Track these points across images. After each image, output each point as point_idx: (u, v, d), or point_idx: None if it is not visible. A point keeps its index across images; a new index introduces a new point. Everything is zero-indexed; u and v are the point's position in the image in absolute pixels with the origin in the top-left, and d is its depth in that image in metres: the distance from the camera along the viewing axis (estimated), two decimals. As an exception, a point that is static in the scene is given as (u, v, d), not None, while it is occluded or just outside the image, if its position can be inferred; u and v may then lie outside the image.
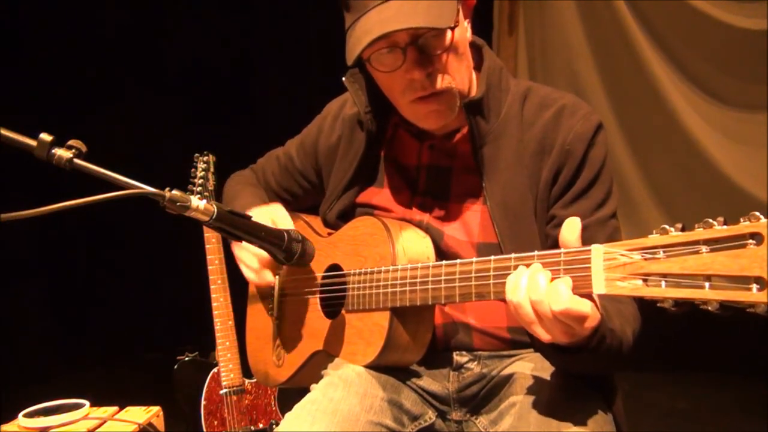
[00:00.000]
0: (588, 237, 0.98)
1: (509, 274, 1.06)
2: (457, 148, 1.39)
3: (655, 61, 3.84)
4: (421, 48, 1.23)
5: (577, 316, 0.96)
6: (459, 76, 1.29)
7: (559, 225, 1.24)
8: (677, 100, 3.84)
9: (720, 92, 3.81)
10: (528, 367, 1.31)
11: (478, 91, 1.34)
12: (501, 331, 1.37)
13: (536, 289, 0.98)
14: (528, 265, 1.04)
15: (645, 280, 0.89)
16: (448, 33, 1.23)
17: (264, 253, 1.38)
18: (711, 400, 3.20)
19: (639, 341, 1.22)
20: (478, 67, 1.39)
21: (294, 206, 1.73)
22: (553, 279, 0.99)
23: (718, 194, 3.73)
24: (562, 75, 4.10)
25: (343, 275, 1.43)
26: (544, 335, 1.01)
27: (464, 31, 1.31)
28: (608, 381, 1.31)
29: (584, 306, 0.96)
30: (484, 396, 1.37)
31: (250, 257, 1.45)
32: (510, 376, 1.32)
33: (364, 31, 1.20)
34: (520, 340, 1.36)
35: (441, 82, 1.26)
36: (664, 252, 0.87)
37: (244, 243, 1.42)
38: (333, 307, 1.46)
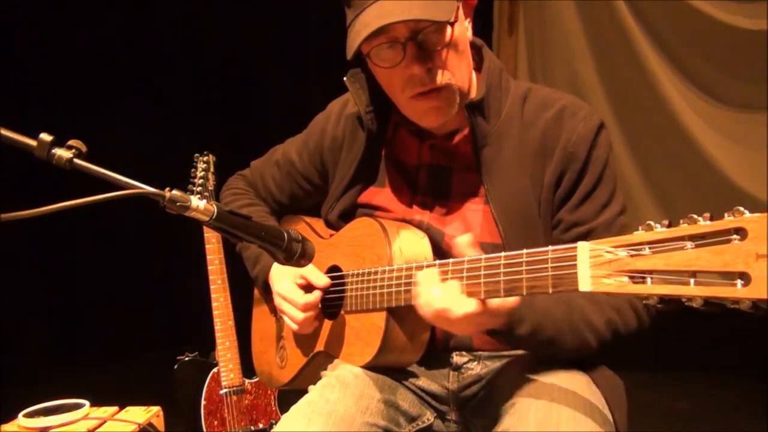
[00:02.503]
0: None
1: (499, 272, 1.08)
2: (457, 148, 1.39)
3: (655, 61, 3.84)
4: (421, 43, 1.23)
5: (465, 316, 1.10)
6: (459, 73, 1.29)
7: (567, 229, 1.29)
8: (677, 100, 3.84)
9: (720, 92, 3.81)
10: (528, 367, 1.31)
11: (478, 92, 1.34)
12: (500, 330, 1.37)
13: (435, 299, 1.13)
14: (497, 266, 1.09)
15: (631, 277, 0.89)
16: (448, 29, 1.24)
17: (309, 301, 1.44)
18: (710, 400, 3.20)
19: (635, 337, 1.25)
20: (477, 68, 1.40)
21: (294, 208, 1.72)
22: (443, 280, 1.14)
23: (717, 194, 3.74)
24: (562, 75, 4.10)
25: (342, 276, 1.43)
26: (459, 331, 1.20)
27: (464, 30, 1.32)
28: (612, 382, 1.31)
29: (469, 306, 1.10)
30: (483, 396, 1.37)
31: (292, 310, 1.46)
32: (510, 377, 1.32)
33: (363, 25, 1.21)
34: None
35: (441, 77, 1.26)
36: (649, 248, 0.87)
37: (280, 290, 1.49)
38: (333, 308, 1.47)
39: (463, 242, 1.16)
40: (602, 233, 1.24)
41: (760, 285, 0.76)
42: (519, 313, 1.16)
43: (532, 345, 1.23)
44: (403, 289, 1.26)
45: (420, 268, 1.24)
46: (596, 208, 1.30)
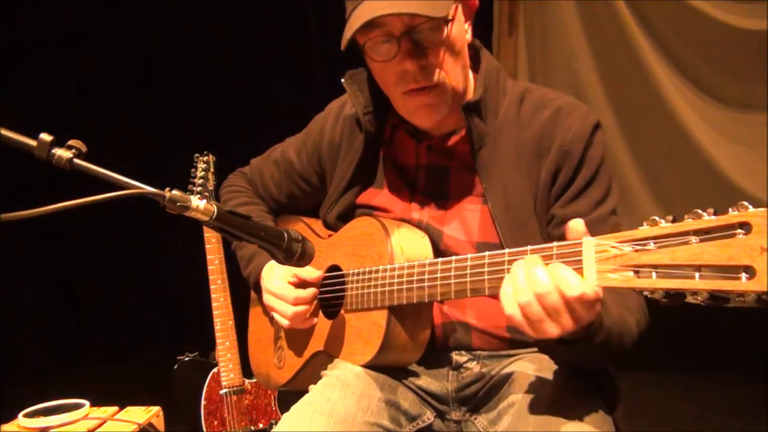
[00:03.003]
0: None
1: (503, 269, 1.07)
2: (455, 149, 1.39)
3: (655, 61, 3.84)
4: (416, 40, 1.24)
5: (590, 300, 0.95)
6: (453, 73, 1.29)
7: (560, 224, 1.27)
8: (677, 100, 3.84)
9: (720, 92, 3.81)
10: (527, 367, 1.31)
11: (476, 93, 1.34)
12: (500, 330, 1.37)
13: (538, 281, 0.96)
14: (500, 263, 1.05)
15: (636, 272, 0.89)
16: (444, 27, 1.24)
17: (300, 295, 1.42)
18: (711, 400, 3.20)
19: (644, 334, 1.22)
20: (475, 68, 1.40)
21: (292, 208, 1.72)
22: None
23: (717, 194, 3.73)
24: (561, 75, 4.10)
25: (342, 275, 1.43)
26: (553, 330, 0.97)
27: (463, 31, 1.32)
28: (610, 382, 1.31)
29: (593, 290, 0.95)
30: (483, 396, 1.37)
31: (282, 305, 1.45)
32: (509, 376, 1.32)
33: (358, 17, 1.22)
34: (519, 339, 1.36)
35: (434, 75, 1.27)
36: (654, 243, 0.88)
37: (270, 287, 1.46)
38: (333, 307, 1.47)
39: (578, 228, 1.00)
40: (595, 229, 1.21)
41: (765, 278, 0.77)
42: (599, 318, 1.04)
43: (589, 356, 1.12)
44: (405, 287, 1.26)
45: (422, 266, 1.24)
46: (589, 204, 1.29)
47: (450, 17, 1.24)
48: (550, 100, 1.35)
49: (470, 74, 1.39)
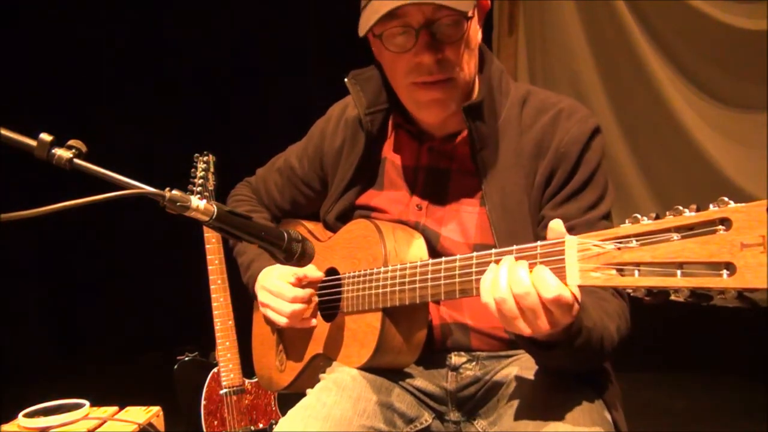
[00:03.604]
0: None
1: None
2: (456, 150, 1.39)
3: (655, 61, 3.84)
4: (434, 33, 1.23)
5: (566, 303, 0.96)
6: (467, 70, 1.29)
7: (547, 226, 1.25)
8: (677, 100, 3.84)
9: (720, 92, 3.80)
10: (526, 367, 1.31)
11: (478, 95, 1.34)
12: (498, 331, 1.37)
13: (519, 282, 0.97)
14: (487, 262, 1.04)
15: (619, 270, 0.89)
16: (464, 24, 1.23)
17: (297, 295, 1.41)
18: (710, 400, 3.20)
19: (629, 339, 1.22)
20: (478, 70, 1.39)
21: (296, 215, 1.73)
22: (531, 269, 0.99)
23: (717, 194, 3.68)
24: (562, 75, 4.10)
25: (339, 278, 1.44)
26: (525, 329, 0.99)
27: (477, 32, 1.32)
28: (609, 382, 1.31)
29: (562, 288, 0.96)
30: (481, 397, 1.37)
31: (279, 303, 1.45)
32: (508, 377, 1.32)
33: (382, 4, 1.20)
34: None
35: (448, 70, 1.26)
36: (636, 241, 0.87)
37: (267, 285, 1.45)
38: (331, 310, 1.47)
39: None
40: (581, 232, 1.21)
41: (745, 274, 0.76)
42: (578, 322, 1.06)
43: (570, 359, 1.13)
44: (398, 289, 1.26)
45: (414, 267, 1.24)
46: (581, 208, 1.29)
47: (470, 14, 1.24)
48: (552, 103, 1.34)
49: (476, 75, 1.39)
